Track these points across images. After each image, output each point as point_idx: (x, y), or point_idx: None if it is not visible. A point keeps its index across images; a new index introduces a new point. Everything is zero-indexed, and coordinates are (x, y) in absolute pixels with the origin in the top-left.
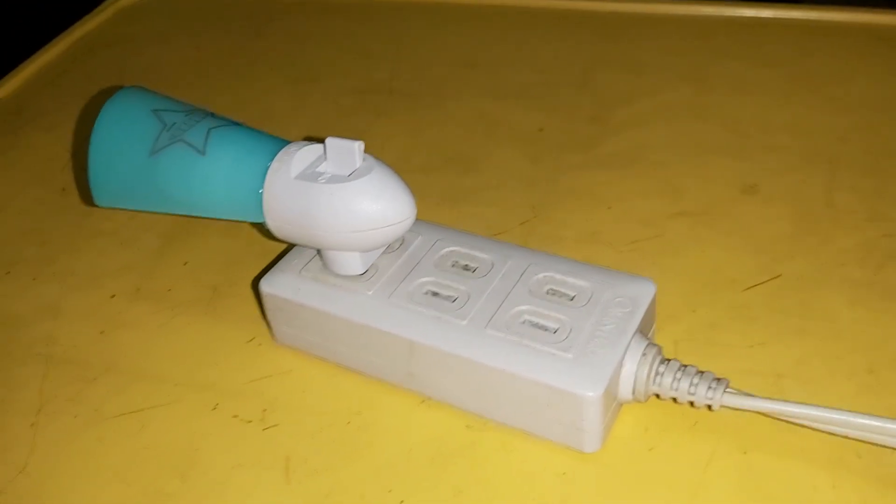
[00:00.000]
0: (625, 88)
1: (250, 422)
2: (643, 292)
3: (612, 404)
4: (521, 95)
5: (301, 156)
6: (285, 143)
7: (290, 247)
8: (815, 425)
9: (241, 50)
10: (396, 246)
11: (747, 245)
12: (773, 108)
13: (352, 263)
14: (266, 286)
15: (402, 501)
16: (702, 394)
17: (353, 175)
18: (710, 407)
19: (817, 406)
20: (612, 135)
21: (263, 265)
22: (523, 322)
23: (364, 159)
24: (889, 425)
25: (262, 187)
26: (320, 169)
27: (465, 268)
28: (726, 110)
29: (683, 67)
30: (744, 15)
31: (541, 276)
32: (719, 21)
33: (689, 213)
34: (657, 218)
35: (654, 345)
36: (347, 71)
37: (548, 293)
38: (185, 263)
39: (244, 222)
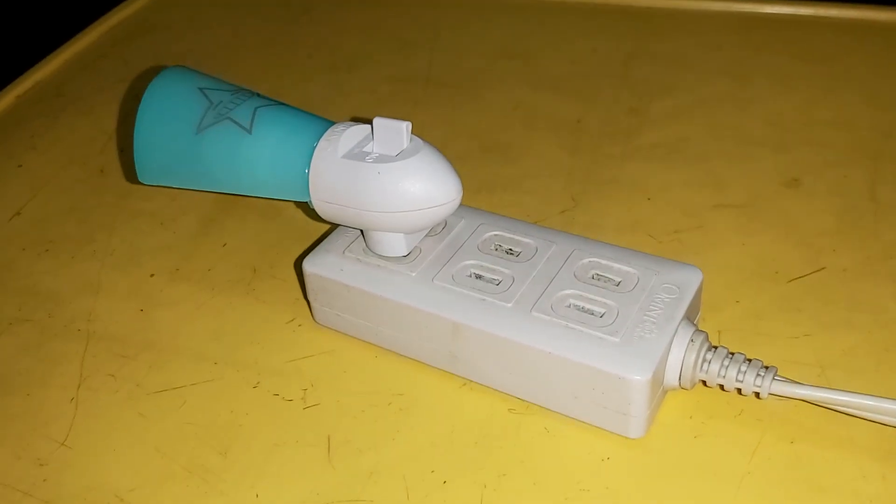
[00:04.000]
0: (664, 81)
1: (291, 400)
2: (690, 279)
3: (659, 390)
4: (558, 86)
5: (348, 135)
6: (331, 123)
7: (332, 228)
8: (864, 415)
9: (278, 37)
10: (439, 229)
11: (790, 237)
12: (814, 104)
13: (396, 245)
14: (309, 266)
15: (444, 482)
16: (750, 381)
17: (400, 155)
18: (757, 395)
19: (867, 395)
20: (652, 127)
21: (302, 247)
22: (569, 306)
23: (411, 140)
24: None
25: (308, 166)
26: (367, 149)
27: (509, 252)
28: (767, 104)
29: (723, 62)
30: (783, 12)
31: (586, 260)
32: (758, 18)
33: (730, 205)
34: (699, 209)
35: (702, 331)
36: (385, 60)
37: (593, 278)
38: (225, 244)
39: (284, 204)
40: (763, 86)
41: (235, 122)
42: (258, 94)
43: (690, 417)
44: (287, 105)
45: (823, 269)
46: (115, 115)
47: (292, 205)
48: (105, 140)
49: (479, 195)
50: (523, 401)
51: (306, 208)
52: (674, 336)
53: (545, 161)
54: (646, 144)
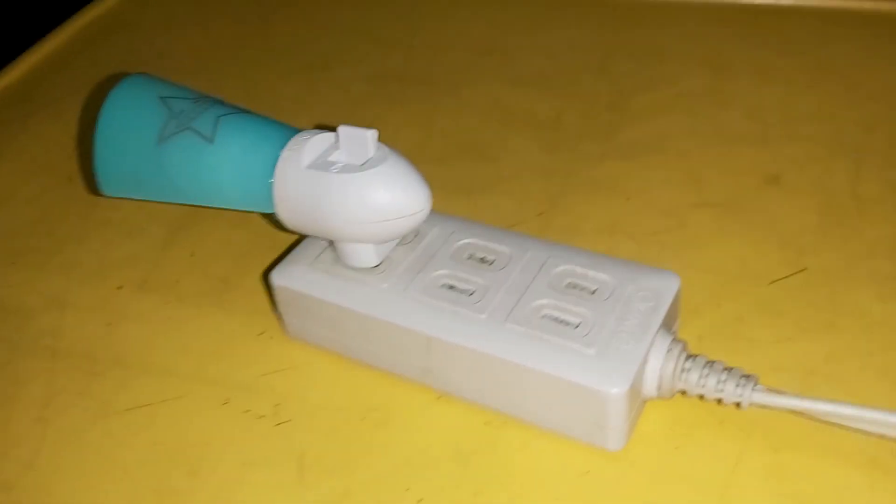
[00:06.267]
0: (643, 76)
1: (262, 417)
2: (667, 286)
3: (637, 401)
4: (537, 83)
5: (312, 144)
6: (296, 131)
7: (301, 238)
8: (849, 424)
9: (249, 36)
10: (411, 238)
11: (772, 237)
12: (795, 97)
13: (366, 255)
14: (277, 278)
15: (420, 500)
16: (730, 391)
17: (366, 165)
18: (738, 405)
19: (851, 404)
20: (631, 123)
21: (273, 257)
22: (543, 316)
23: (378, 148)
24: None
25: (272, 177)
26: (332, 158)
27: (483, 260)
28: (748, 98)
29: (703, 55)
30: (763, 3)
31: (560, 268)
32: (738, 8)
33: (711, 204)
34: (678, 209)
35: (680, 340)
36: (359, 58)
37: (568, 286)
38: (192, 255)
39: (253, 213)
40: (744, 78)
41: (197, 132)
42: (221, 102)
43: (671, 428)
44: (251, 112)
45: (805, 269)
46: (82, 120)
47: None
48: (74, 146)
49: (455, 197)
50: (500, 413)
51: (271, 219)
52: (651, 346)
53: (523, 161)
54: (625, 142)
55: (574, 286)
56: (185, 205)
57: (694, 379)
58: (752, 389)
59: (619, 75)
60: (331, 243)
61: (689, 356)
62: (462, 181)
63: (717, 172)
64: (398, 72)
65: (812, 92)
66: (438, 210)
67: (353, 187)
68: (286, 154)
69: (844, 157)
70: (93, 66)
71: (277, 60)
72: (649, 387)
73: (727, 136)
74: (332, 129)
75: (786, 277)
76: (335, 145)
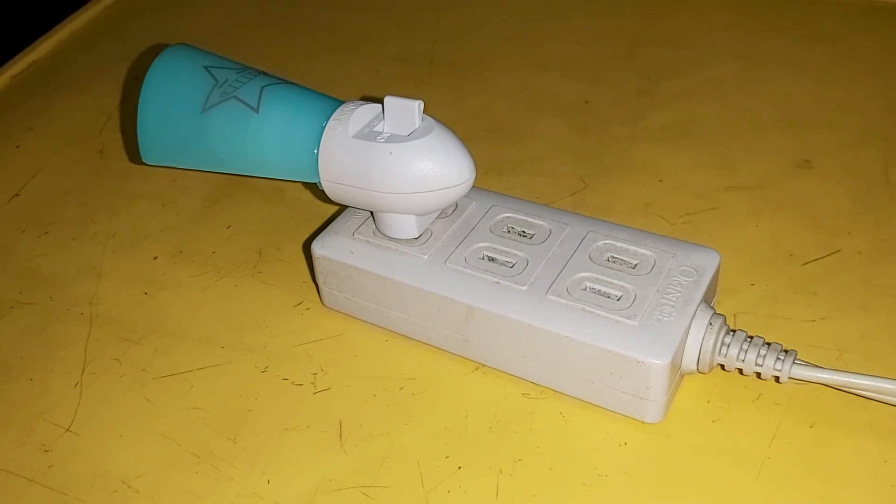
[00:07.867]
0: (672, 62)
1: (301, 385)
2: (707, 262)
3: (677, 374)
4: (564, 67)
5: (358, 115)
6: (340, 102)
7: (341, 209)
8: (885, 398)
9: (277, 17)
10: (450, 211)
11: (804, 220)
12: (824, 85)
13: (407, 226)
14: (318, 248)
15: (459, 468)
16: (770, 365)
17: (412, 135)
18: (777, 379)
19: (888, 378)
20: (661, 108)
21: (308, 229)
22: (585, 289)
23: (423, 119)
24: None
25: (317, 146)
26: (378, 128)
27: (522, 234)
28: (777, 86)
29: (731, 43)
30: None
31: (601, 243)
32: None
33: (743, 187)
34: (710, 191)
35: (720, 315)
36: (387, 39)
37: (608, 260)
38: (228, 227)
39: (288, 185)
40: (771, 66)
41: (242, 101)
42: (264, 73)
43: (708, 402)
44: (294, 84)
45: (838, 251)
46: (113, 96)
47: (296, 186)
48: (104, 121)
49: (486, 177)
50: (537, 385)
51: (313, 189)
52: (692, 319)
53: (553, 142)
54: (654, 126)
55: (615, 260)
56: (222, 175)
57: (734, 353)
58: (792, 364)
59: (647, 62)
60: (371, 215)
61: (729, 331)
62: (494, 161)
63: (747, 157)
64: (425, 54)
65: (840, 81)
66: (473, 188)
67: (400, 157)
68: (332, 124)
69: (874, 144)
70: (119, 45)
71: (305, 41)
72: (689, 360)
73: (756, 122)
74: (377, 100)
75: (819, 259)
76: (380, 116)
